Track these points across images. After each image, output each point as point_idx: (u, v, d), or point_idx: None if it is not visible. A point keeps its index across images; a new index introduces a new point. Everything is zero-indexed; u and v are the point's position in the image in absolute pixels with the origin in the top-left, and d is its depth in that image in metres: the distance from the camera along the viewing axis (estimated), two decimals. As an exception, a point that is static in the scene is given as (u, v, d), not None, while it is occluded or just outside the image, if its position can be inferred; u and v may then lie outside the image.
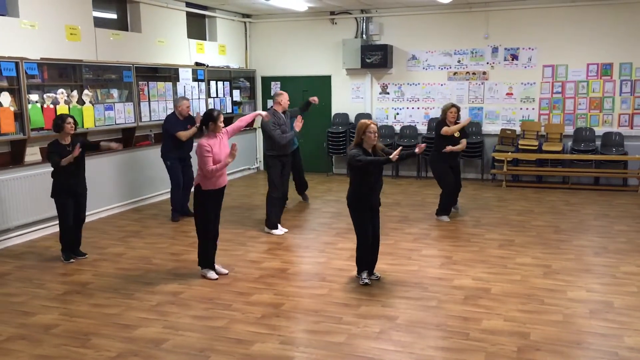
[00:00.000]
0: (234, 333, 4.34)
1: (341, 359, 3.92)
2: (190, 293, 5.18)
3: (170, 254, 6.43)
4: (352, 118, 11.54)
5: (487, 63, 10.70)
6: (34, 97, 6.99)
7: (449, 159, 7.63)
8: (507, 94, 10.65)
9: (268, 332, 4.35)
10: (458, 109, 7.64)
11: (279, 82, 12.07)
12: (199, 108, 10.11)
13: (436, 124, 7.84)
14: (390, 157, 5.02)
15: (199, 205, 5.55)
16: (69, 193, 6.07)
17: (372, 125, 5.20)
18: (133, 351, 4.06)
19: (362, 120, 5.28)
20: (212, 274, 5.57)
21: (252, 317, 4.63)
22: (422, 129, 11.17)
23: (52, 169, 6.00)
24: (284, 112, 7.35)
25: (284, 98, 7.35)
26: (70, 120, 5.94)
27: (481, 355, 3.92)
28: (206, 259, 5.62)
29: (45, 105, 7.11)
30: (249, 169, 12.13)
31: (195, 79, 10.03)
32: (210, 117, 5.51)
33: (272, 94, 12.00)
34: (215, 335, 4.31)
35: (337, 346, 4.10)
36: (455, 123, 7.57)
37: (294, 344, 4.20)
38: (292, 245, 6.72)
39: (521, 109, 10.58)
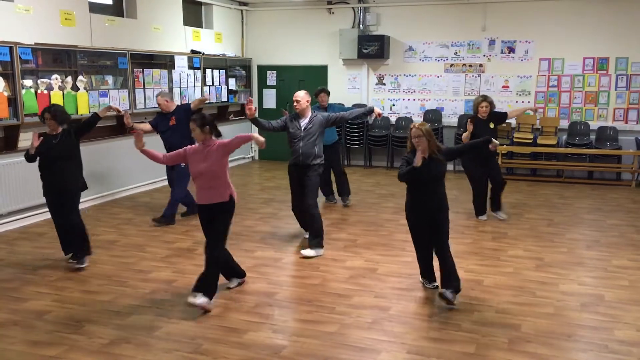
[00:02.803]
0: (227, 321, 4.35)
1: (333, 349, 3.93)
2: (183, 281, 5.18)
3: (164, 242, 6.42)
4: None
5: (484, 55, 10.68)
6: (28, 82, 6.94)
7: (479, 156, 6.85)
8: (503, 86, 10.65)
9: (261, 321, 4.36)
10: (490, 103, 7.10)
11: (275, 71, 12.02)
12: (194, 96, 10.06)
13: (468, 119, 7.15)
14: (413, 164, 4.55)
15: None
16: (49, 191, 5.49)
17: (413, 129, 4.58)
18: (125, 338, 4.07)
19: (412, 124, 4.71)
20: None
21: (245, 306, 4.64)
22: (418, 120, 11.13)
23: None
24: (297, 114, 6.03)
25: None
26: (47, 115, 5.40)
27: (472, 346, 3.94)
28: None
29: (39, 91, 7.06)
30: (244, 158, 12.11)
31: (190, 67, 9.97)
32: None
33: (268, 84, 11.99)
34: (208, 323, 4.31)
35: (329, 336, 4.11)
36: (490, 117, 7.03)
37: (286, 333, 4.21)
38: (286, 235, 6.73)
39: (517, 102, 10.57)
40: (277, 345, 3.98)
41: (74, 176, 5.51)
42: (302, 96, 5.95)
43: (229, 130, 11.31)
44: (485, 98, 7.14)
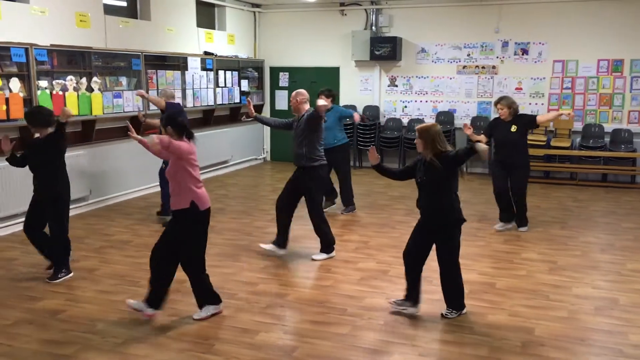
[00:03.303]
0: (239, 322, 4.36)
1: (345, 350, 3.93)
2: (195, 281, 5.19)
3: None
4: (360, 110, 11.49)
5: (497, 57, 10.63)
6: (43, 83, 7.00)
7: (497, 159, 6.82)
8: (517, 88, 10.59)
9: (273, 322, 4.37)
10: (508, 105, 6.59)
11: (287, 73, 12.04)
12: (207, 98, 10.12)
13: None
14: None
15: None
16: (33, 197, 5.28)
17: (417, 131, 4.42)
18: (138, 338, 4.09)
19: None
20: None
21: (257, 307, 4.65)
22: (430, 122, 11.09)
23: None
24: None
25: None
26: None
27: (485, 350, 3.92)
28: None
29: (54, 92, 7.12)
30: (256, 159, 12.13)
31: (203, 68, 10.02)
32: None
33: (280, 85, 12.02)
34: (220, 323, 4.33)
35: (341, 337, 4.11)
36: (514, 120, 6.60)
37: (298, 334, 4.21)
38: (298, 236, 6.72)
39: (530, 104, 10.51)
40: (289, 347, 3.99)
41: (49, 184, 5.16)
42: (293, 95, 5.86)
43: (242, 132, 11.41)
44: (501, 99, 6.79)
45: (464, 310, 4.51)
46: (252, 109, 5.94)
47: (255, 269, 5.56)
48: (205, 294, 4.44)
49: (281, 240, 5.93)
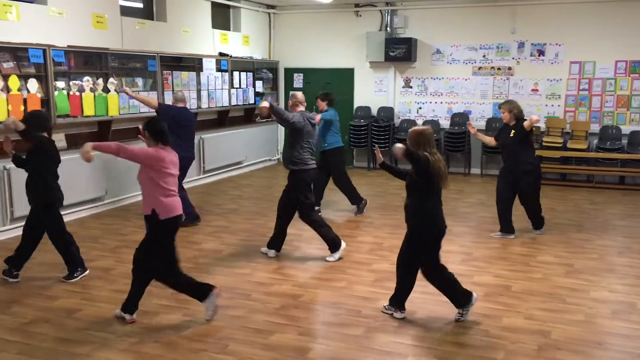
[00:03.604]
0: (252, 323, 4.36)
1: (359, 352, 3.92)
2: (210, 282, 5.20)
3: (191, 242, 6.48)
4: (374, 111, 11.49)
5: (513, 58, 10.56)
6: (61, 84, 7.07)
7: (504, 166, 6.69)
8: (533, 89, 10.51)
9: (287, 323, 4.37)
10: (509, 109, 6.45)
11: (301, 74, 12.05)
12: (221, 99, 10.17)
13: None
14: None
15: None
16: None
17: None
18: (153, 337, 4.11)
19: None
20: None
21: (270, 308, 4.65)
22: (445, 123, 11.07)
23: None
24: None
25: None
26: None
27: (501, 353, 3.89)
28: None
29: (71, 93, 7.19)
30: (270, 160, 12.15)
31: (218, 69, 10.06)
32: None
33: (294, 86, 12.02)
34: (234, 324, 4.34)
35: (355, 339, 4.10)
36: (516, 124, 6.44)
37: (312, 335, 4.21)
38: (312, 238, 6.72)
39: (546, 105, 10.43)
40: (303, 348, 3.99)
41: (34, 191, 5.11)
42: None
43: (257, 133, 11.43)
44: (503, 103, 6.69)
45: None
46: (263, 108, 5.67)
47: (269, 270, 5.56)
48: (194, 293, 4.40)
49: (271, 240, 5.98)
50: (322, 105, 7.66)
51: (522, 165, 6.49)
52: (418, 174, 4.25)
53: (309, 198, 5.92)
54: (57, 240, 5.28)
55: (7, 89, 6.43)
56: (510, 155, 6.55)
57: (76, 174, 7.22)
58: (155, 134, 4.28)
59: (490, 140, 6.82)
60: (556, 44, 10.25)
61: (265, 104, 5.58)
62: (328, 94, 7.79)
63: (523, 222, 7.31)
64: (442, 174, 4.25)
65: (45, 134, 5.09)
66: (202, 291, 4.40)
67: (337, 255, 5.85)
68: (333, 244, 5.87)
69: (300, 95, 5.97)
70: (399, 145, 4.09)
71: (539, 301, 4.79)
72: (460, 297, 4.42)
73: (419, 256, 4.42)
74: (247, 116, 11.06)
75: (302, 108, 5.90)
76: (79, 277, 5.28)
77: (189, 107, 8.23)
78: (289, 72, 12.19)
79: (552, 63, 10.33)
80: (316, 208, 7.57)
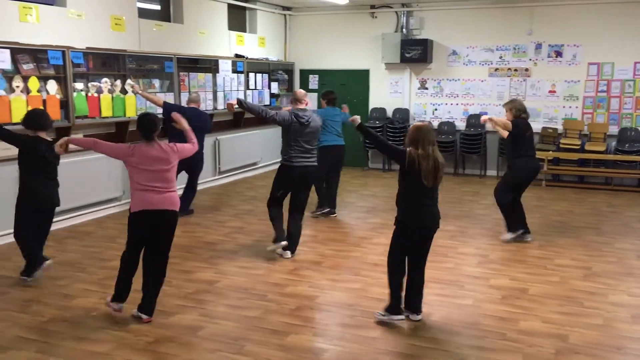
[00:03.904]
0: (268, 323, 4.37)
1: (375, 354, 3.91)
2: (225, 282, 5.25)
3: (207, 243, 6.51)
4: (389, 113, 11.46)
5: (530, 59, 10.48)
6: (79, 85, 7.15)
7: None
8: (550, 91, 10.43)
9: (302, 324, 4.37)
10: (509, 108, 6.47)
11: (317, 75, 12.07)
12: (237, 100, 10.20)
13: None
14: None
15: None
16: None
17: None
18: (170, 337, 4.14)
19: None
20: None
21: (286, 309, 4.66)
22: (461, 125, 11.02)
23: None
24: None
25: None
26: None
27: (518, 356, 3.86)
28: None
29: (89, 94, 7.27)
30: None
31: (234, 71, 10.11)
32: (157, 124, 4.44)
33: (310, 87, 12.03)
34: (250, 324, 4.35)
35: (371, 341, 4.10)
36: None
37: (327, 336, 4.21)
38: (328, 239, 6.73)
39: (564, 107, 10.34)
40: (318, 349, 3.99)
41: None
42: None
43: (272, 134, 11.44)
44: (506, 102, 6.67)
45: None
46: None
47: (285, 271, 5.57)
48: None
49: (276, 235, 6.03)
50: (323, 103, 7.80)
51: (509, 161, 6.64)
52: (400, 166, 4.31)
53: (275, 193, 6.02)
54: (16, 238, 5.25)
55: (26, 90, 6.51)
56: (506, 152, 6.79)
57: (93, 175, 7.30)
58: (138, 128, 4.41)
59: (504, 133, 6.66)
60: (574, 45, 10.16)
61: (232, 101, 5.79)
62: (328, 92, 7.84)
63: (539, 225, 7.26)
64: (425, 172, 4.17)
65: (40, 134, 5.12)
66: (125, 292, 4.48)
67: (274, 247, 5.90)
68: (277, 238, 5.90)
69: (299, 92, 6.00)
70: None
71: (556, 304, 4.74)
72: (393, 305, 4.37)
73: (396, 252, 4.42)
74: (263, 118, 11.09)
75: (301, 105, 5.91)
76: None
77: (204, 108, 8.30)
78: (305, 74, 12.21)
79: (569, 64, 10.24)
80: (326, 210, 7.70)
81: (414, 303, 4.42)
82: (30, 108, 6.47)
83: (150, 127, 4.35)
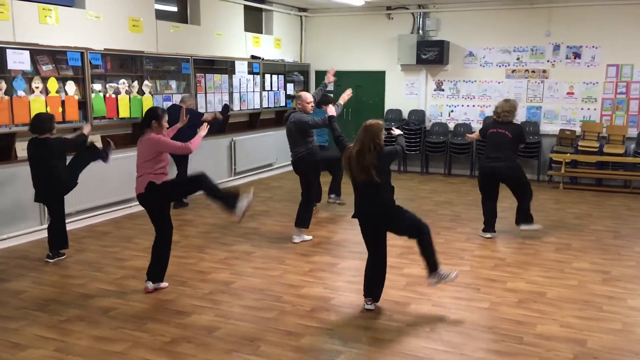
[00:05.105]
0: (284, 325, 4.37)
1: (391, 357, 3.89)
2: (241, 283, 5.26)
3: (222, 243, 6.53)
4: (405, 114, 11.43)
5: (548, 61, 10.39)
6: (97, 86, 7.22)
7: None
8: (568, 93, 10.33)
9: (318, 326, 4.37)
10: (499, 107, 6.86)
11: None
12: (253, 101, 10.24)
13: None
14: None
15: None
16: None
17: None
18: (186, 337, 4.15)
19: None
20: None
21: (301, 310, 4.66)
22: (477, 127, 10.92)
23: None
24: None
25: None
26: None
27: (535, 361, 3.82)
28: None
29: (107, 95, 7.33)
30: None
31: (250, 72, 10.14)
32: (154, 116, 5.01)
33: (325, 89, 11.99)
34: (265, 325, 4.36)
35: (387, 343, 4.08)
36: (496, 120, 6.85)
37: (343, 338, 4.20)
38: (342, 240, 6.72)
39: (582, 109, 10.24)
40: (334, 351, 3.98)
41: None
42: None
43: (286, 135, 11.40)
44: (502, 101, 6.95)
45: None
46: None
47: (300, 272, 5.57)
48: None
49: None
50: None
51: None
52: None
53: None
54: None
55: (45, 91, 6.59)
56: None
57: (110, 175, 7.35)
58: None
59: None
60: (593, 47, 10.06)
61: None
62: (323, 95, 7.98)
63: (557, 228, 7.19)
64: (345, 167, 4.81)
65: (48, 135, 5.65)
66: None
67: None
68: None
69: (302, 94, 6.72)
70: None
71: (574, 309, 4.69)
72: None
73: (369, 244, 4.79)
74: (278, 119, 11.10)
75: (303, 107, 6.59)
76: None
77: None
78: (320, 75, 12.19)
79: (588, 66, 10.13)
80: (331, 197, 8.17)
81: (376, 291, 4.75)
82: (49, 109, 6.56)
83: (146, 116, 5.12)
